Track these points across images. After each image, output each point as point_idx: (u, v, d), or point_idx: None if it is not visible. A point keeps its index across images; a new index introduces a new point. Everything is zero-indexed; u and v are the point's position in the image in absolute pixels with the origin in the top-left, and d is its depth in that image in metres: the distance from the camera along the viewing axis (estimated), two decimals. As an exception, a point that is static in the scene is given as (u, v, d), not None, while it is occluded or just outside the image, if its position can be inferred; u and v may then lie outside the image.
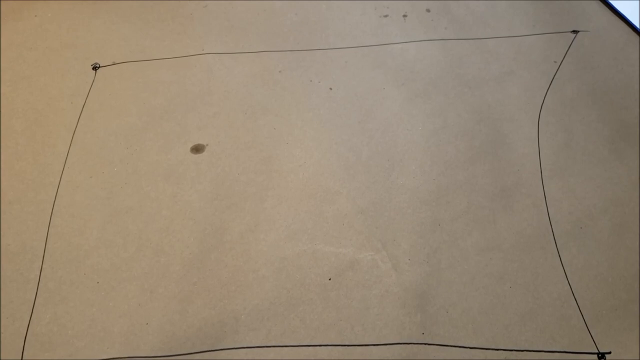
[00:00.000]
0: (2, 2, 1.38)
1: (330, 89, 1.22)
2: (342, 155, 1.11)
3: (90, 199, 1.05)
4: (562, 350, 0.87)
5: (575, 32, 1.31)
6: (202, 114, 1.18)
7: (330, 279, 0.95)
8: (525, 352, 0.87)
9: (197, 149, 1.12)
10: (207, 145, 1.12)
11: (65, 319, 0.91)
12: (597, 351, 0.87)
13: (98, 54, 1.29)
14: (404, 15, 1.37)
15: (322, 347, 0.88)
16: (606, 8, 1.39)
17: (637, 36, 1.31)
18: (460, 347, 0.88)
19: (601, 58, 1.26)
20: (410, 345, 0.88)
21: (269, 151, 1.12)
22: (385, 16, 1.37)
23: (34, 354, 0.88)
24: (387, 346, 0.88)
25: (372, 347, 0.88)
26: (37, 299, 0.93)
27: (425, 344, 0.88)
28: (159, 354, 0.88)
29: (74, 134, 1.14)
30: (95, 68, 1.26)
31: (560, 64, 1.25)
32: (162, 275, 0.95)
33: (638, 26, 1.32)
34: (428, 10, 1.39)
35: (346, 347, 0.88)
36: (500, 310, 0.91)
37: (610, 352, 0.87)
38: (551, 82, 1.22)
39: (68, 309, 0.92)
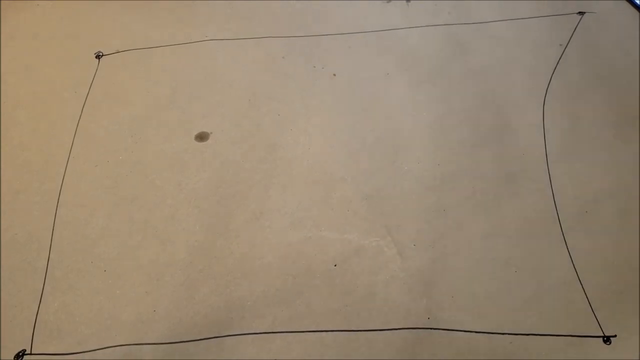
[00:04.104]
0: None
1: (334, 75, 1.21)
2: (346, 142, 1.10)
3: (96, 188, 1.05)
4: (567, 334, 0.87)
5: (581, 13, 1.29)
6: (206, 101, 1.17)
7: (335, 265, 0.95)
8: (530, 337, 0.87)
9: (202, 137, 1.12)
10: (211, 133, 1.12)
11: (72, 307, 0.92)
12: (602, 335, 0.87)
13: (101, 42, 1.28)
14: (407, 0, 1.35)
15: (328, 332, 0.89)
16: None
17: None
18: (466, 331, 0.88)
19: (607, 41, 1.24)
20: (416, 330, 0.88)
21: (273, 138, 1.11)
22: (389, 1, 1.35)
23: (42, 341, 0.89)
24: (393, 331, 0.88)
25: (378, 332, 0.88)
26: (45, 287, 0.94)
27: (431, 328, 0.89)
28: (167, 341, 0.89)
29: (78, 123, 1.14)
30: (98, 57, 1.25)
31: (566, 47, 1.23)
32: (168, 263, 0.96)
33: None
34: (431, -5, 1.38)
35: (352, 332, 0.89)
36: (506, 295, 0.92)
37: (615, 336, 0.87)
38: (556, 66, 1.21)
39: (75, 298, 0.93)
